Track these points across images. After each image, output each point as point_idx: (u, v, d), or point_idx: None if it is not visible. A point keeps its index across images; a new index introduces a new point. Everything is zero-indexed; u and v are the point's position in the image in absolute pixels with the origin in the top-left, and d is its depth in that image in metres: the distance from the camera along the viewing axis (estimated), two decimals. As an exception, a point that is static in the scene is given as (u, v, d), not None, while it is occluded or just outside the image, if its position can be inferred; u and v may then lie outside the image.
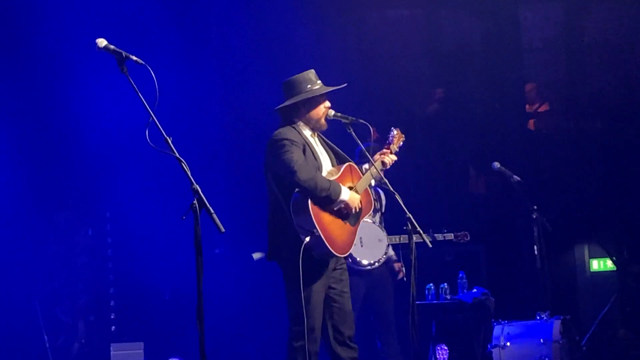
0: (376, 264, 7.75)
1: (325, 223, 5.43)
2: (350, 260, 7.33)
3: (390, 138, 6.11)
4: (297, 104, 5.67)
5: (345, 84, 5.86)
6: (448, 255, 9.69)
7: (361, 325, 7.64)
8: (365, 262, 7.68)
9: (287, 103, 5.69)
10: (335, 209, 5.51)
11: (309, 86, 5.67)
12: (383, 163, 5.95)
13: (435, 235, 8.01)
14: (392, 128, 6.17)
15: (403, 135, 6.19)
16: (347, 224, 5.61)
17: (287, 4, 10.27)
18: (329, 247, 5.40)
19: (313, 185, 5.37)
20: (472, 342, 9.36)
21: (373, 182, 6.00)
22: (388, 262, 7.97)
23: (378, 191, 7.99)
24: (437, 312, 9.01)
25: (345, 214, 5.57)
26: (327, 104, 5.74)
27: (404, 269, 7.98)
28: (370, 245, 7.65)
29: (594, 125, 11.68)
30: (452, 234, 8.17)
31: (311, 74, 5.75)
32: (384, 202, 8.07)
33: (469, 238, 8.22)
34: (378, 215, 7.95)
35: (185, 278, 9.15)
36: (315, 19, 10.75)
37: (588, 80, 11.74)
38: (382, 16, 11.63)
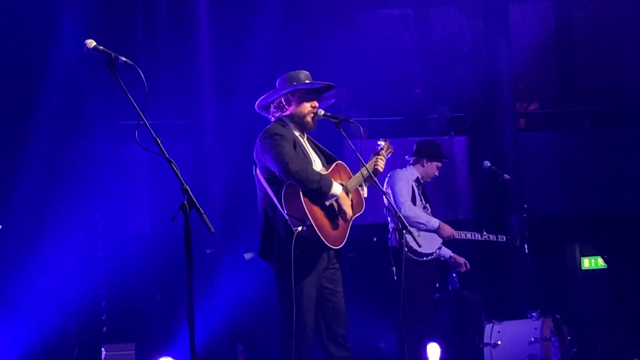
0: (432, 255, 7.73)
1: (317, 214, 5.41)
2: (406, 249, 7.28)
3: (379, 148, 6.05)
4: (281, 99, 5.66)
5: (333, 85, 5.81)
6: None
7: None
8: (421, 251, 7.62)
9: (271, 96, 5.68)
10: (327, 203, 5.50)
11: (295, 83, 5.67)
12: (376, 170, 5.90)
13: (489, 235, 8.04)
14: (381, 139, 6.12)
15: (391, 147, 6.15)
16: (339, 218, 5.59)
17: (276, 4, 10.27)
18: (321, 237, 5.37)
19: (304, 176, 5.36)
20: (463, 340, 9.37)
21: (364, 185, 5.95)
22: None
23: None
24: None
25: (336, 213, 5.55)
26: (314, 103, 5.71)
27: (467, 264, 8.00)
28: (425, 237, 7.59)
29: (583, 123, 11.72)
30: (505, 237, 8.18)
31: (302, 73, 5.73)
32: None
33: (518, 243, 8.25)
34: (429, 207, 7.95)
35: (176, 279, 9.15)
36: (305, 19, 10.75)
37: (577, 78, 11.78)
38: (372, 15, 11.65)
